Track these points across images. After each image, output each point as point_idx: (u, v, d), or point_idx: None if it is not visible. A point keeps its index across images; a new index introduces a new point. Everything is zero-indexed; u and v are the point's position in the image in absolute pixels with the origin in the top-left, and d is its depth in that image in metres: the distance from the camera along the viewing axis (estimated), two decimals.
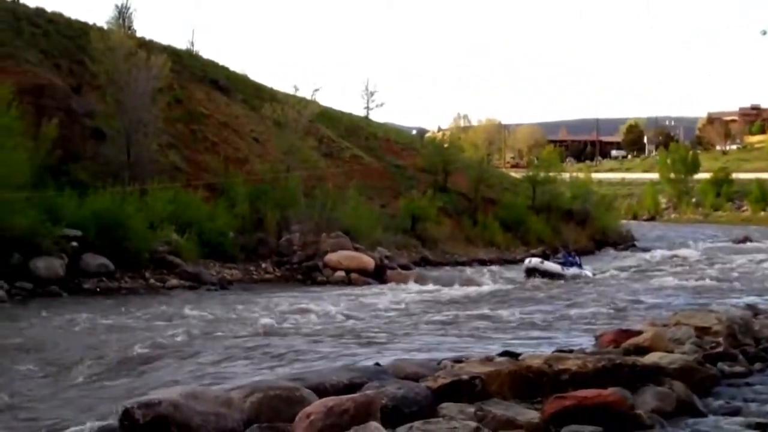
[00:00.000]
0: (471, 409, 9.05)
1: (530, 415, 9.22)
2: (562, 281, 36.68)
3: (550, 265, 38.72)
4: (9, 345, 18.86)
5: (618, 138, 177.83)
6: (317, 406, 8.10)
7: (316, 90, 61.87)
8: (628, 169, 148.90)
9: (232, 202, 41.31)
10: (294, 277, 38.92)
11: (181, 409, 7.93)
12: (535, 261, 39.58)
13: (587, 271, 39.94)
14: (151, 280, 33.29)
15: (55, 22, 49.27)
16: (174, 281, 33.80)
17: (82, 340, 19.66)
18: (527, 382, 10.20)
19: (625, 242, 69.29)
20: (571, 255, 41.74)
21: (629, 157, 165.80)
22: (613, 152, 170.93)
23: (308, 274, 39.04)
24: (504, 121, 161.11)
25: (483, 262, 51.01)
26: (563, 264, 39.36)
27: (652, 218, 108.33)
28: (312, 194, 43.60)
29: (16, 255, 29.62)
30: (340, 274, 38.53)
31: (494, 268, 46.55)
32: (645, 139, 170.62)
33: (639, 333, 13.39)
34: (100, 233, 32.54)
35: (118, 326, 21.95)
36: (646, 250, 62.28)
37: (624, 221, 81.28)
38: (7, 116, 29.92)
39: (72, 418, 11.66)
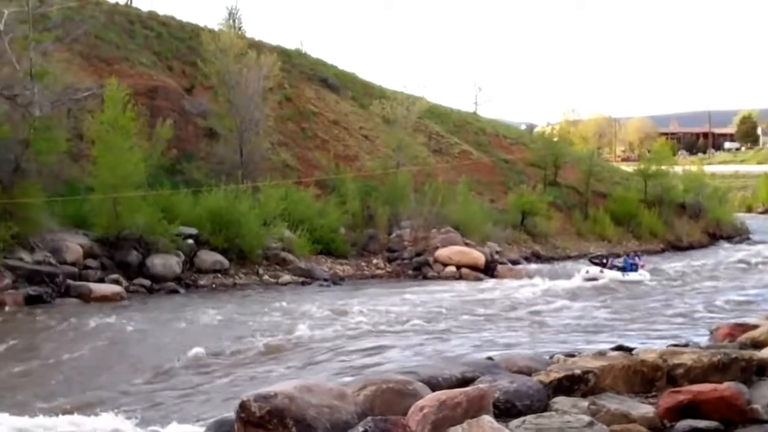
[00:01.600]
0: (584, 404, 8.87)
1: (644, 409, 8.94)
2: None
3: (611, 274, 35.75)
4: (129, 339, 19.21)
5: (731, 130, 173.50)
6: (430, 399, 8.02)
7: (425, 87, 61.82)
8: (741, 161, 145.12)
9: (343, 199, 41.45)
10: (405, 273, 38.91)
11: (296, 402, 7.98)
12: (593, 271, 36.39)
13: (644, 276, 36.62)
14: (265, 277, 33.63)
15: (168, 24, 50.13)
16: (287, 277, 34.05)
17: (200, 335, 19.88)
18: (641, 376, 9.94)
19: (740, 235, 67.63)
20: (631, 257, 38.97)
21: (743, 149, 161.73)
22: (726, 144, 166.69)
23: (419, 269, 39.02)
24: (614, 115, 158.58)
25: None
26: (623, 269, 36.65)
27: (767, 211, 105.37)
28: (421, 190, 43.42)
29: (134, 253, 30.17)
30: (451, 269, 38.42)
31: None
32: (759, 131, 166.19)
33: (755, 327, 12.90)
34: (215, 231, 33.00)
35: (234, 321, 22.16)
36: (762, 242, 60.65)
37: (738, 214, 79.15)
38: (123, 118, 30.35)
39: (191, 410, 12.07)
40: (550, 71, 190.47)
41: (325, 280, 34.70)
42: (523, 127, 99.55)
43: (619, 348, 12.24)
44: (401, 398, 8.55)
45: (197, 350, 17.52)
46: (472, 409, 7.80)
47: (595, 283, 34.24)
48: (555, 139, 69.77)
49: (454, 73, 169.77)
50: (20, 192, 26.61)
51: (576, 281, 34.79)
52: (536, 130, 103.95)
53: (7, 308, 23.94)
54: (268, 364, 16.16)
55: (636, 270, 36.74)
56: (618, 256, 39.86)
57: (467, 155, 58.90)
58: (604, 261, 37.94)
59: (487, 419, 7.55)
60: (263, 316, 23.13)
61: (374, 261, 39.95)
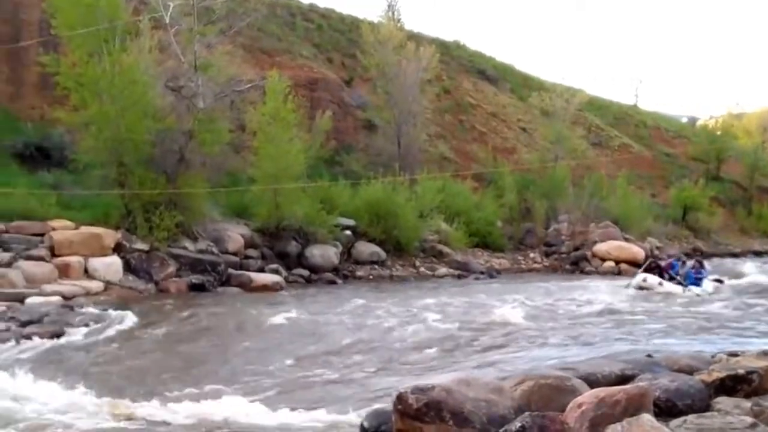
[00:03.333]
0: (747, 405, 8.43)
1: None
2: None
3: (671, 287, 28.54)
4: (287, 328, 19.10)
5: None
6: (589, 396, 7.79)
7: (584, 78, 60.86)
8: None
9: (500, 192, 41.11)
10: (562, 267, 38.43)
11: (453, 395, 7.94)
12: (651, 280, 29.05)
13: (704, 291, 28.35)
14: (421, 269, 33.53)
15: (328, 17, 50.73)
16: (443, 270, 33.90)
17: (357, 325, 19.70)
18: None
19: None
20: (695, 269, 30.23)
21: None
22: None
23: (576, 264, 38.39)
24: None
25: (758, 254, 48.58)
26: (684, 282, 29.10)
27: None
28: (580, 183, 42.65)
29: (294, 243, 30.41)
30: (609, 264, 37.63)
31: None
32: None
33: None
34: (372, 222, 33.09)
35: (390, 313, 21.88)
36: None
37: None
38: (284, 109, 30.55)
39: (349, 401, 11.72)
40: (713, 63, 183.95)
41: (481, 273, 34.39)
42: (685, 120, 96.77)
43: None
44: (559, 394, 8.43)
45: (354, 340, 17.46)
46: (632, 408, 7.56)
47: (757, 279, 31.50)
48: (718, 133, 67.63)
49: (614, 65, 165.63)
50: (184, 182, 26.98)
51: (629, 290, 28.57)
52: (699, 122, 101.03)
53: (170, 295, 24.27)
54: (424, 357, 15.71)
55: (699, 284, 28.84)
56: (683, 261, 31.46)
57: (627, 148, 57.70)
58: (662, 269, 30.25)
59: (647, 418, 7.30)
60: (420, 308, 22.79)
61: (531, 255, 39.63)
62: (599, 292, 27.26)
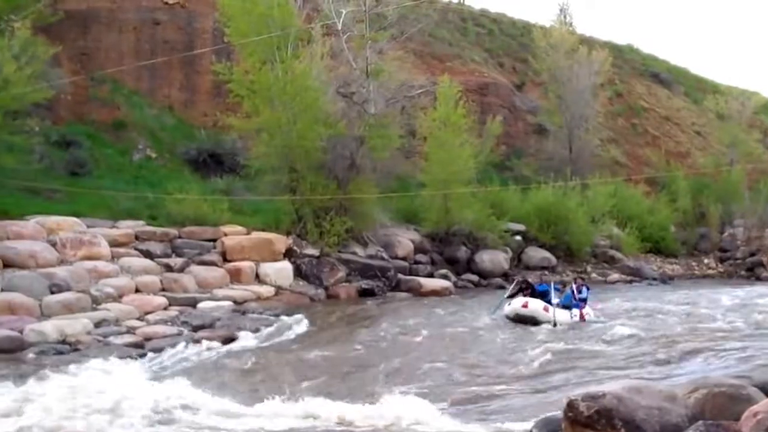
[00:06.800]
0: None
1: None
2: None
3: (536, 307, 20.19)
4: (456, 335, 18.62)
5: None
6: (765, 405, 7.37)
7: (761, 81, 57.75)
8: None
9: (673, 197, 39.39)
10: (737, 273, 36.55)
11: (625, 402, 7.78)
12: (515, 305, 20.58)
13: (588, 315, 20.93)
14: (593, 274, 32.26)
15: (499, 21, 49.96)
16: (615, 275, 32.72)
17: (526, 333, 18.93)
18: None
19: None
20: (577, 286, 21.79)
21: None
22: None
23: (752, 270, 36.50)
24: None
25: None
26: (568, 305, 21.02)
27: None
28: (755, 188, 40.38)
29: (463, 249, 29.71)
30: None
31: None
32: None
33: None
34: (542, 227, 32.06)
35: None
36: None
37: None
38: (454, 114, 30.02)
39: (517, 408, 11.72)
40: None
41: (654, 279, 33.13)
42: None
43: None
44: (733, 403, 8.09)
45: (520, 348, 16.86)
46: None
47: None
48: None
49: None
50: (354, 188, 26.59)
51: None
52: None
53: (340, 301, 23.96)
54: (594, 365, 15.01)
55: (581, 306, 20.97)
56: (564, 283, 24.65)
57: None
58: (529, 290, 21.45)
59: None
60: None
61: (705, 260, 38.28)
62: None
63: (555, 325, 19.36)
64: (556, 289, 21.14)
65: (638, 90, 50.11)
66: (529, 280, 22.21)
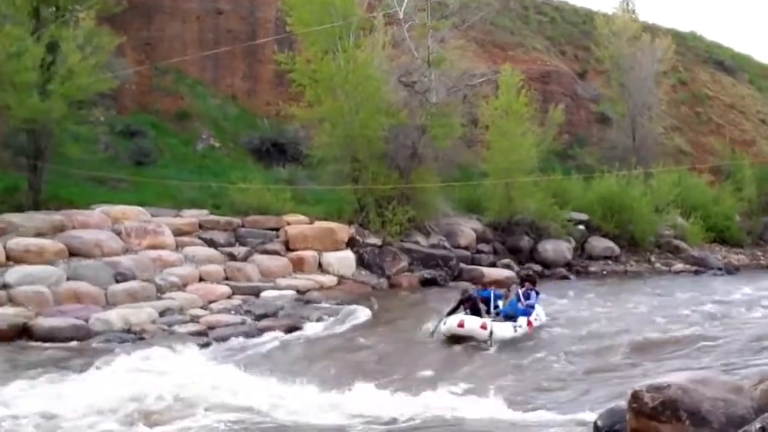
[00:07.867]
0: None
1: None
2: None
3: (472, 326, 17.01)
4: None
5: None
6: None
7: None
8: None
9: (738, 186, 38.56)
10: None
11: (690, 394, 7.55)
12: (451, 323, 17.27)
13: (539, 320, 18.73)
14: (657, 264, 31.73)
15: (561, 9, 49.52)
16: (679, 265, 32.02)
17: (592, 322, 18.73)
18: None
19: None
20: (525, 291, 18.81)
21: None
22: None
23: None
24: None
25: None
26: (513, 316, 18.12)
27: None
28: None
29: (526, 238, 29.39)
30: None
31: None
32: None
33: None
34: (605, 217, 31.55)
35: (628, 310, 20.73)
36: None
37: None
38: (516, 103, 29.76)
39: (580, 399, 11.81)
40: None
41: (719, 269, 32.32)
42: None
43: None
44: None
45: (586, 338, 16.86)
46: None
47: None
48: None
49: None
50: (416, 177, 26.45)
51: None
52: None
53: (402, 290, 23.82)
54: (661, 355, 14.82)
55: (529, 313, 18.31)
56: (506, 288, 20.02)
57: None
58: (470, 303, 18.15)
59: None
60: (655, 306, 21.32)
61: None
62: None
63: (490, 344, 16.55)
64: (498, 296, 18.62)
65: (702, 78, 49.23)
66: (471, 291, 18.81)
